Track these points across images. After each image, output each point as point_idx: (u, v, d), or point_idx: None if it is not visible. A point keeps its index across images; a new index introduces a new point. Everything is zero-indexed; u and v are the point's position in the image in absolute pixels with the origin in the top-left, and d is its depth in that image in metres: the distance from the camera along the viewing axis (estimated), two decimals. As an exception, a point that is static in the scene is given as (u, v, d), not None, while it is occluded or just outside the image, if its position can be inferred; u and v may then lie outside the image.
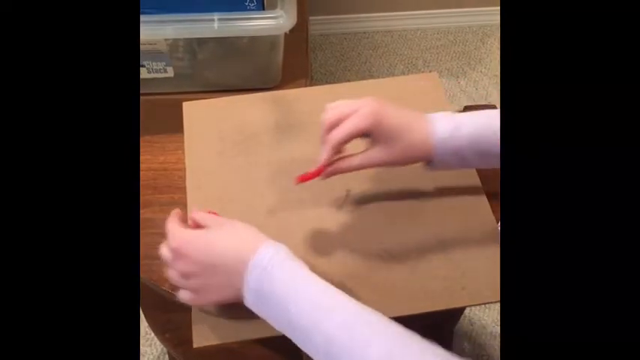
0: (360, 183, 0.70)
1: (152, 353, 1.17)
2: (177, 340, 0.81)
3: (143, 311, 0.85)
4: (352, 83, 0.82)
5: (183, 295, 0.55)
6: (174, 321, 0.83)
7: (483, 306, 1.23)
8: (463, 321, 1.22)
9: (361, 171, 0.70)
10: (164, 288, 0.63)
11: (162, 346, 1.17)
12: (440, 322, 0.84)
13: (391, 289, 0.61)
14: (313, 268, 0.62)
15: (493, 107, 0.79)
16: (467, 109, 0.80)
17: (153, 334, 1.18)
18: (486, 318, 1.22)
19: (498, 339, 1.20)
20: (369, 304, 0.60)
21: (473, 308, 1.23)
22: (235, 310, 0.60)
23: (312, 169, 0.58)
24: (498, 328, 1.21)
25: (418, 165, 0.71)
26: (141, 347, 1.17)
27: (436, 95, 0.79)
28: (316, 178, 0.59)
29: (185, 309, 0.61)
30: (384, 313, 0.60)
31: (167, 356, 1.11)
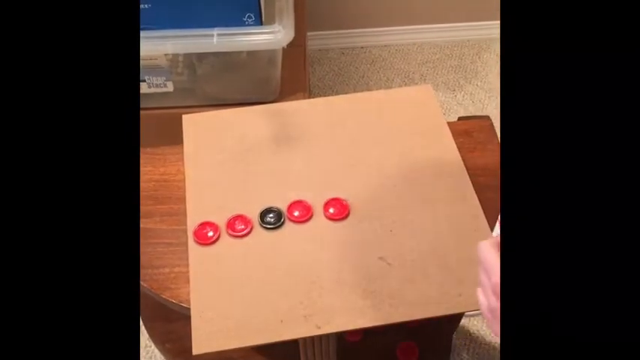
0: (357, 194, 0.71)
1: (152, 366, 1.18)
2: (177, 350, 0.82)
3: (143, 322, 0.86)
4: (349, 95, 0.84)
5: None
6: (175, 331, 0.84)
7: (482, 317, 1.24)
8: (462, 331, 1.22)
9: (358, 182, 0.72)
10: (164, 297, 0.64)
11: (162, 358, 1.17)
12: (438, 329, 0.85)
13: (388, 296, 0.62)
14: (310, 277, 0.64)
15: (487, 118, 0.80)
16: (461, 119, 0.81)
17: (152, 347, 1.18)
18: (485, 328, 1.22)
19: (497, 350, 1.20)
20: (366, 311, 0.61)
21: (472, 319, 1.24)
22: (236, 316, 0.61)
23: None
24: (497, 339, 1.21)
25: (413, 175, 0.73)
26: (141, 360, 1.17)
27: (430, 107, 0.81)
28: None
29: (185, 318, 0.62)
30: (382, 319, 0.61)
31: (167, 368, 1.12)
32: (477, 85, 1.72)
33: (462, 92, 1.70)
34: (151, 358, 1.18)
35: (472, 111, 1.65)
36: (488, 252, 0.50)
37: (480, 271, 0.51)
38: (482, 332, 1.22)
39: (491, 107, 1.66)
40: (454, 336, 1.19)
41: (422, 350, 0.83)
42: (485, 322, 0.51)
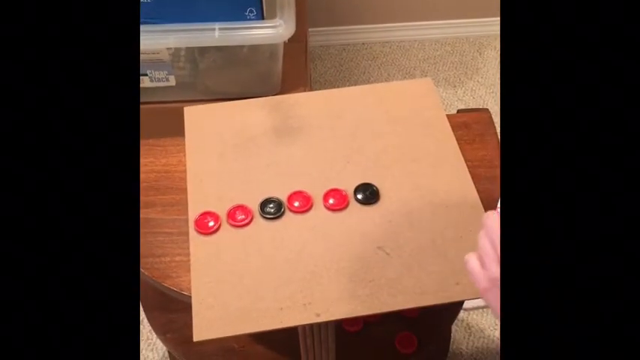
0: (355, 184, 0.71)
1: (154, 358, 1.18)
2: (178, 340, 0.83)
3: (144, 312, 0.87)
4: (349, 88, 0.85)
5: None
6: (176, 321, 0.84)
7: (481, 310, 1.25)
8: (461, 325, 1.23)
9: (356, 172, 0.73)
10: (165, 285, 0.65)
11: (164, 350, 1.18)
12: (436, 319, 0.86)
13: (387, 285, 0.63)
14: (309, 266, 0.64)
15: (485, 110, 0.81)
16: (460, 112, 0.82)
17: (155, 338, 1.19)
18: (484, 322, 1.23)
19: (496, 343, 1.21)
20: (365, 300, 0.62)
21: (471, 312, 1.24)
22: (236, 304, 0.62)
23: None
24: (496, 332, 1.22)
25: (412, 166, 0.74)
26: (143, 351, 1.18)
27: (430, 99, 0.81)
28: None
29: (186, 308, 0.63)
30: (380, 308, 0.62)
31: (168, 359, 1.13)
32: (477, 81, 1.72)
33: (463, 88, 1.70)
34: (152, 349, 1.19)
35: (473, 107, 1.66)
36: (496, 221, 0.49)
37: (482, 238, 0.50)
38: (480, 326, 1.23)
39: (491, 103, 1.66)
40: (453, 328, 1.20)
41: (420, 341, 0.83)
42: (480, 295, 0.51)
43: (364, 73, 1.75)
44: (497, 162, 0.75)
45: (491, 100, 1.67)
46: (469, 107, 1.65)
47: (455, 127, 0.77)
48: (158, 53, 1.06)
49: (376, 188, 0.71)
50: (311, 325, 0.69)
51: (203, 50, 1.07)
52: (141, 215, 0.69)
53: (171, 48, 1.05)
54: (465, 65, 1.77)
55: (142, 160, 0.75)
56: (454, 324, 1.17)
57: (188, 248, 0.67)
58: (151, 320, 0.86)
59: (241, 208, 0.69)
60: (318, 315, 0.61)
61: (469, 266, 0.51)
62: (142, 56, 1.04)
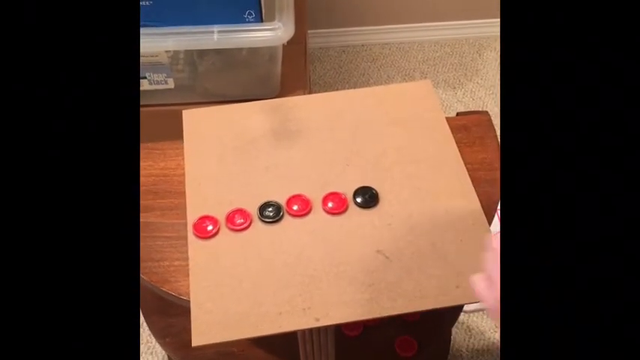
0: (354, 187, 0.71)
1: (154, 362, 1.18)
2: (177, 345, 0.83)
3: (144, 316, 0.86)
4: (348, 91, 0.84)
5: None
6: (175, 325, 0.84)
7: (482, 313, 1.24)
8: (461, 327, 1.22)
9: (355, 174, 0.73)
10: (164, 289, 0.65)
11: (163, 353, 1.18)
12: (436, 323, 0.86)
13: (386, 289, 0.63)
14: (309, 270, 0.64)
15: (485, 113, 0.81)
16: (459, 114, 0.82)
17: (154, 342, 1.19)
18: (484, 324, 1.23)
19: (497, 345, 1.20)
20: (364, 304, 0.62)
21: (471, 315, 1.24)
22: (235, 308, 0.61)
23: None
24: (496, 334, 1.21)
25: (412, 169, 0.73)
26: (143, 355, 1.18)
27: (429, 102, 0.81)
28: None
29: (185, 313, 0.63)
30: (380, 312, 0.62)
31: (168, 364, 1.12)
32: (477, 82, 1.72)
33: (463, 90, 1.70)
34: (152, 353, 1.19)
35: (472, 108, 1.65)
36: None
37: (490, 260, 0.49)
38: (481, 328, 1.23)
39: (491, 104, 1.66)
40: (453, 330, 1.20)
41: (420, 344, 0.83)
42: (487, 315, 0.50)
43: (364, 74, 1.75)
44: (497, 165, 0.75)
45: (490, 102, 1.67)
46: (469, 109, 1.65)
47: (454, 130, 0.77)
48: (157, 56, 1.06)
49: (375, 191, 0.71)
50: (310, 330, 0.69)
51: (202, 53, 1.07)
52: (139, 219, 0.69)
53: (170, 51, 1.05)
54: (465, 67, 1.77)
55: (140, 164, 0.75)
56: (454, 326, 1.16)
57: (187, 252, 0.66)
58: (150, 324, 0.85)
59: (240, 211, 0.69)
60: (317, 319, 0.61)
61: (477, 289, 0.49)
62: (140, 59, 1.03)
